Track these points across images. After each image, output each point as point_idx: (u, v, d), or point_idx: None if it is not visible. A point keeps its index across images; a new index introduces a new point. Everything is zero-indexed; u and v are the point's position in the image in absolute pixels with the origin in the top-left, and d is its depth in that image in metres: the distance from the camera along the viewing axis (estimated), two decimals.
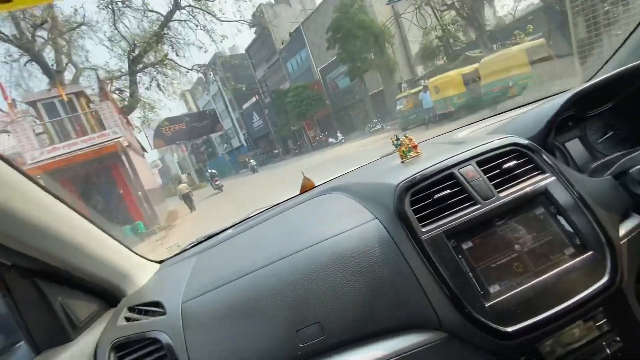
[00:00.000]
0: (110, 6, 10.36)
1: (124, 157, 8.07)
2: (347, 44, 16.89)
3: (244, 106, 31.25)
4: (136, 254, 0.92)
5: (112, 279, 0.80)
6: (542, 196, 0.67)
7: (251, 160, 20.88)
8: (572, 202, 0.65)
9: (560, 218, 0.65)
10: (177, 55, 12.01)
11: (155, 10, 11.74)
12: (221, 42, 13.46)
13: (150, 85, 11.70)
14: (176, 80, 12.70)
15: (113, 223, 8.05)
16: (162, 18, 11.63)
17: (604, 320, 0.60)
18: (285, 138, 26.80)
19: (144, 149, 12.61)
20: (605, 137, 0.96)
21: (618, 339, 0.59)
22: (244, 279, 0.70)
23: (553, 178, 0.68)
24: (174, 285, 0.81)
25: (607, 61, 0.97)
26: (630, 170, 0.67)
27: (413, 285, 0.61)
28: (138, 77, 12.17)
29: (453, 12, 11.34)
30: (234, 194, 11.97)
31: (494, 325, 0.56)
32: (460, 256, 0.61)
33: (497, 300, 0.57)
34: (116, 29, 10.95)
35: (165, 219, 10.49)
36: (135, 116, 12.98)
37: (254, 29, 28.88)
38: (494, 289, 0.59)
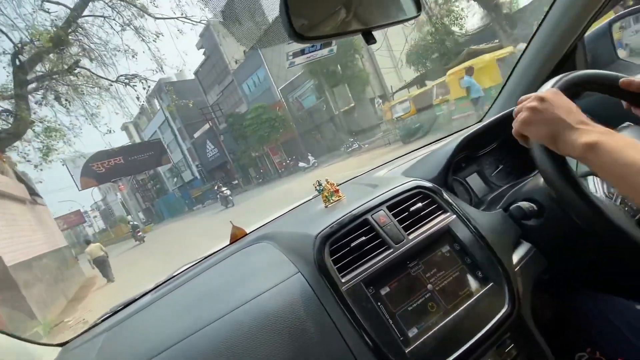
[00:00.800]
0: None
1: None
2: None
3: (196, 135, 27.93)
4: (25, 340, 0.76)
5: None
6: (447, 234, 0.71)
7: (223, 189, 14.21)
8: (472, 237, 0.70)
9: (463, 254, 0.69)
10: (90, 61, 8.80)
11: (57, 1, 8.50)
12: (154, 41, 9.67)
13: (44, 99, 8.22)
14: (92, 94, 9.36)
15: None
16: (69, 12, 8.46)
17: (512, 345, 0.63)
18: (245, 166, 23.70)
19: (33, 193, 8.64)
20: (497, 170, 1.07)
21: None
22: (158, 358, 0.59)
23: (454, 216, 0.73)
24: None
25: (491, 106, 1.15)
26: (510, 208, 0.75)
27: (337, 341, 0.59)
28: (40, 96, 8.67)
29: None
30: (175, 246, 8.69)
31: None
32: (379, 303, 0.61)
33: (416, 344, 0.58)
34: None
35: (61, 305, 6.65)
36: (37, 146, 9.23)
37: (202, 50, 26.31)
38: (412, 332, 0.60)
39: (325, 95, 17.52)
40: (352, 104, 16.90)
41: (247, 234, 1.03)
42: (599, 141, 0.45)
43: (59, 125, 9.46)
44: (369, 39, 0.56)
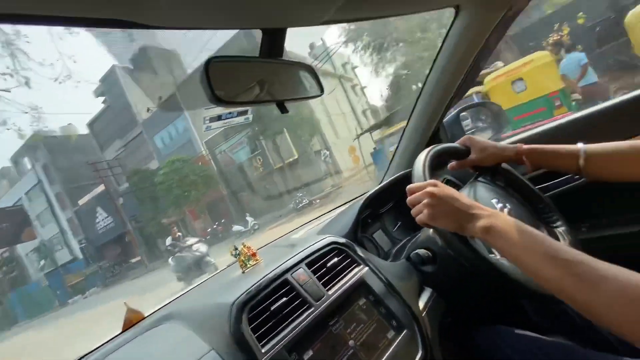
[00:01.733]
0: None
1: None
2: None
3: (81, 201, 21.28)
4: None
5: None
6: (362, 287, 0.72)
7: (191, 242, 6.60)
8: (383, 287, 0.73)
9: (378, 304, 0.71)
10: None
11: None
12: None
13: None
14: None
15: None
16: None
17: None
18: (151, 237, 18.23)
19: None
20: (397, 226, 1.18)
21: None
22: None
23: (366, 268, 0.75)
24: None
25: (387, 169, 1.29)
26: (410, 255, 0.81)
27: None
28: None
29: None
30: None
31: None
32: None
33: None
34: None
35: None
36: None
37: (101, 98, 21.65)
38: None
39: (263, 147, 15.06)
40: (296, 157, 14.72)
41: (145, 317, 0.87)
42: (491, 224, 0.52)
43: None
44: (282, 109, 0.64)
